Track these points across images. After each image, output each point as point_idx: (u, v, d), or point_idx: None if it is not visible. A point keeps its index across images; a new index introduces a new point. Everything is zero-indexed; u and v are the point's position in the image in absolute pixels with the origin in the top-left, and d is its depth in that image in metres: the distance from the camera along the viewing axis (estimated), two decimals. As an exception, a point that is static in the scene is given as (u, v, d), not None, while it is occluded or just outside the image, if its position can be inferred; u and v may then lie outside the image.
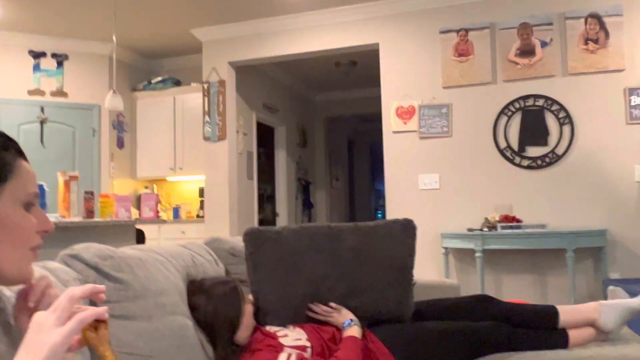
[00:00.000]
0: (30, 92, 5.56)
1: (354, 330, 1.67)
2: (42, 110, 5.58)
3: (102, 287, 0.76)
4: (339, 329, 1.71)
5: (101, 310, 0.73)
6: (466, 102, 4.47)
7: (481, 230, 4.07)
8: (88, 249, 1.38)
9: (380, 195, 11.30)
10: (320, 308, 1.73)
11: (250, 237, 1.80)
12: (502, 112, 4.37)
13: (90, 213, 3.75)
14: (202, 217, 5.75)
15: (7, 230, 0.77)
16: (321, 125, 8.40)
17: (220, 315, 1.53)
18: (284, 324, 1.73)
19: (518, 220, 4.07)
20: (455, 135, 4.49)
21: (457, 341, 1.74)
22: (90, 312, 0.70)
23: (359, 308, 1.75)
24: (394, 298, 1.80)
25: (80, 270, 1.33)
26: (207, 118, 5.42)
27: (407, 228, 1.88)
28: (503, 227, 3.98)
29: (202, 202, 5.93)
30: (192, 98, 5.97)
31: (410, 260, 1.86)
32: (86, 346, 0.73)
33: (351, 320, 1.70)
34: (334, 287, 1.76)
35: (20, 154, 0.83)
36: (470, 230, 4.15)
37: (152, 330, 1.38)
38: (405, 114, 4.62)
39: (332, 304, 1.74)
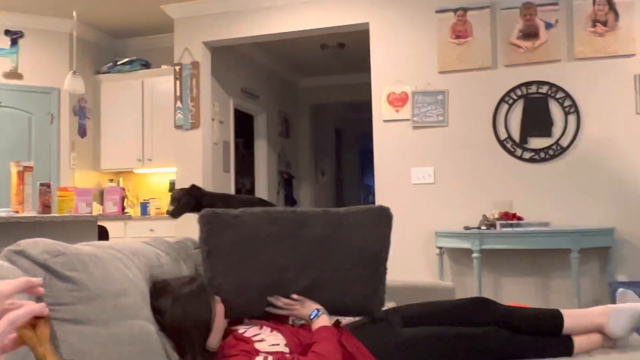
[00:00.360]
0: (-19, 74, 5.44)
1: (323, 320, 1.66)
2: (-6, 93, 5.47)
3: (37, 279, 0.70)
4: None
5: (38, 307, 0.68)
6: (464, 89, 4.47)
7: (479, 228, 4.08)
8: (36, 245, 1.34)
9: (370, 190, 11.32)
10: (280, 301, 1.70)
11: (205, 219, 1.75)
12: (502, 100, 4.37)
13: (46, 208, 3.67)
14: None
15: None
16: (306, 114, 8.38)
17: (189, 319, 1.50)
18: (238, 318, 1.71)
19: (519, 218, 4.09)
20: (451, 125, 4.49)
21: (452, 348, 1.73)
22: (24, 311, 0.66)
23: (323, 302, 1.72)
24: (362, 292, 1.77)
25: (27, 269, 1.29)
26: (178, 104, 5.36)
27: (382, 216, 1.85)
28: (502, 225, 3.99)
29: (173, 197, 5.85)
30: (162, 82, 5.90)
31: (384, 252, 1.83)
32: (23, 346, 0.69)
33: (317, 310, 1.68)
34: (296, 278, 1.72)
35: None
36: (467, 228, 4.15)
37: (110, 335, 1.34)
38: (397, 101, 4.61)
39: (294, 296, 1.70)
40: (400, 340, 1.74)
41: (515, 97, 4.35)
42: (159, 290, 1.54)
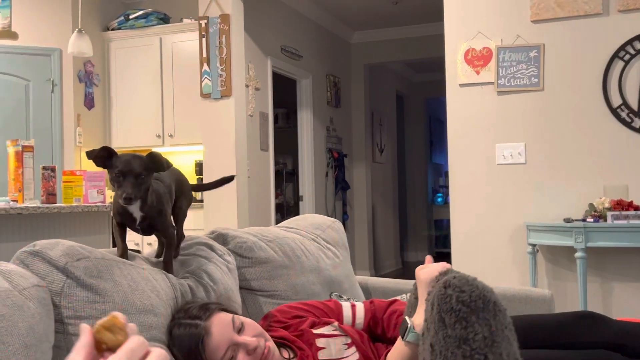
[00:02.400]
0: (-31, 34, 5.63)
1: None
2: (-14, 57, 5.65)
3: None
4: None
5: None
6: (565, 42, 4.37)
7: (584, 220, 4.01)
8: (56, 246, 1.39)
9: (441, 171, 11.24)
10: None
11: None
12: (616, 56, 4.26)
13: (51, 196, 3.80)
14: (201, 201, 5.79)
15: None
16: (360, 77, 8.35)
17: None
18: None
19: (636, 208, 4.00)
20: (548, 89, 4.41)
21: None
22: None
23: None
24: None
25: (44, 274, 1.34)
26: (205, 67, 5.41)
27: None
28: (615, 217, 3.90)
29: (200, 182, 5.96)
30: (184, 39, 5.97)
31: None
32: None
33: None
34: None
35: None
36: (567, 220, 4.09)
37: None
38: (478, 59, 4.56)
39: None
40: None
41: (633, 52, 4.23)
42: (171, 320, 1.59)
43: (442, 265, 1.54)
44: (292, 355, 1.70)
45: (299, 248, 2.24)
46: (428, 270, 1.54)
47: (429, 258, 1.69)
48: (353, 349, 1.72)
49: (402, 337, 1.51)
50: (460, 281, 1.32)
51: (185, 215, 1.89)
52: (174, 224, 1.82)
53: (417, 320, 1.49)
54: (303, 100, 7.12)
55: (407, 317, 1.54)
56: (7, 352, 1.09)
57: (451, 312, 1.28)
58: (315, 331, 1.74)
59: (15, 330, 1.13)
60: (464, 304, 1.28)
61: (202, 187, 2.00)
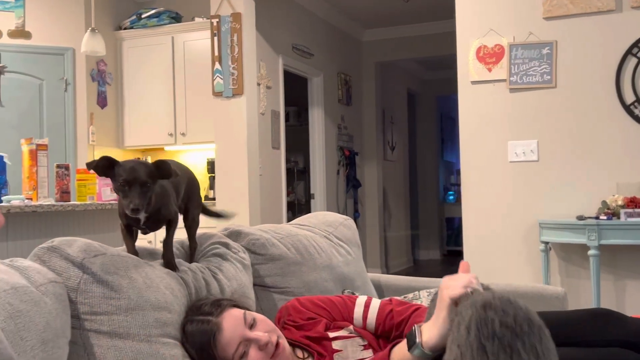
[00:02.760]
0: (-17, 33, 5.67)
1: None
2: (-1, 56, 5.69)
3: None
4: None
5: None
6: (578, 39, 4.35)
7: (597, 218, 3.99)
8: (73, 242, 1.41)
9: (452, 169, 11.22)
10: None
11: None
12: (629, 53, 4.24)
13: (65, 194, 3.83)
14: (213, 199, 5.80)
15: None
16: (371, 75, 8.34)
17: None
18: None
19: (650, 205, 3.98)
20: (561, 86, 4.39)
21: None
22: None
23: None
24: None
25: (61, 270, 1.35)
26: (217, 66, 5.43)
27: None
28: (628, 215, 3.89)
29: (212, 180, 5.98)
30: (196, 38, 5.99)
31: None
32: None
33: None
34: None
35: None
36: (580, 218, 4.07)
37: (152, 355, 1.39)
38: (489, 56, 4.55)
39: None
40: None
41: (645, 49, 4.21)
42: (185, 317, 1.59)
43: (468, 282, 1.36)
44: (306, 355, 1.70)
45: (311, 245, 2.24)
46: (452, 285, 1.37)
47: (464, 265, 1.48)
48: (370, 351, 1.71)
49: (409, 349, 1.41)
50: (502, 302, 1.18)
51: (197, 225, 1.87)
52: (191, 233, 1.83)
53: (426, 335, 1.38)
54: (314, 98, 7.13)
55: (416, 329, 1.41)
56: (25, 347, 1.11)
57: (494, 338, 1.14)
58: (330, 334, 1.74)
59: (33, 326, 1.15)
60: (508, 328, 1.14)
61: (203, 209, 1.95)
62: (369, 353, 1.71)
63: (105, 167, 1.53)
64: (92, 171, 1.55)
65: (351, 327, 1.78)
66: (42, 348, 1.16)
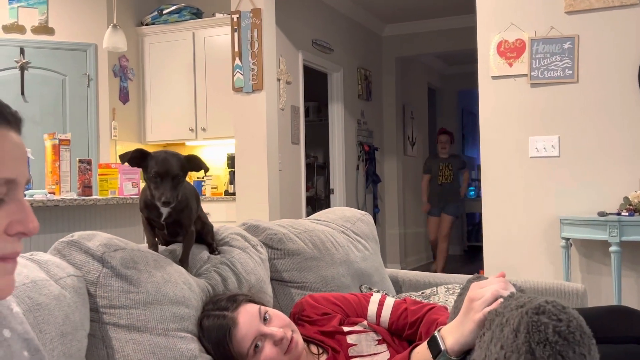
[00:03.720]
0: (6, 29, 5.74)
1: None
2: (22, 52, 5.75)
3: None
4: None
5: None
6: (600, 33, 4.31)
7: (618, 214, 3.96)
8: (93, 236, 1.43)
9: (473, 164, 11.15)
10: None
11: None
12: (652, 47, 4.19)
13: (87, 189, 3.87)
14: (233, 194, 5.83)
15: None
16: (391, 70, 8.32)
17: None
18: None
19: (673, 201, 3.93)
20: (583, 81, 4.35)
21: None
22: None
23: None
24: None
25: (81, 263, 1.37)
26: (237, 61, 5.44)
27: None
28: (651, 211, 3.85)
29: (232, 174, 6.00)
30: (217, 34, 6.01)
31: None
32: None
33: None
34: None
35: None
36: (602, 214, 4.03)
37: (168, 348, 1.41)
38: (510, 51, 4.52)
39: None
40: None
41: (669, 43, 4.15)
42: (202, 312, 1.60)
43: (498, 290, 1.35)
44: (321, 351, 1.70)
45: (328, 240, 2.24)
46: (486, 297, 1.35)
47: (500, 275, 1.47)
48: (384, 346, 1.71)
49: (434, 357, 1.40)
50: (555, 308, 1.16)
51: (212, 227, 1.88)
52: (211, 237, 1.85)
53: (450, 341, 1.38)
54: (334, 93, 7.12)
55: (438, 336, 1.41)
56: (44, 340, 1.12)
57: (545, 343, 1.11)
58: (345, 328, 1.74)
59: (52, 319, 1.16)
60: (561, 335, 1.12)
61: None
62: (383, 347, 1.71)
63: (138, 158, 1.56)
64: (125, 164, 1.57)
65: (365, 322, 1.78)
66: (61, 341, 1.17)
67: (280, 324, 1.59)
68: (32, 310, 1.12)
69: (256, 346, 1.54)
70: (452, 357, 1.36)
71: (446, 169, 7.57)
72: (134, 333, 1.37)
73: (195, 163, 1.60)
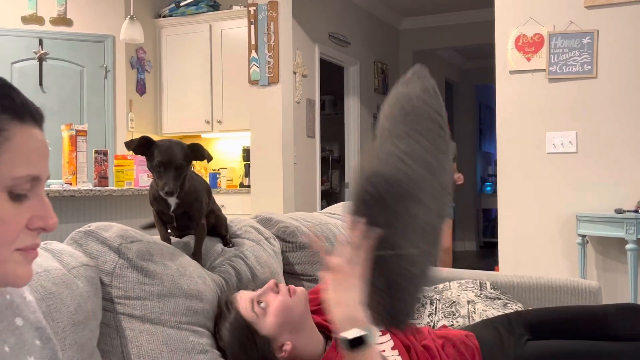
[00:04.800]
0: (25, 20, 5.78)
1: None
2: (41, 43, 5.80)
3: None
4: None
5: None
6: (620, 29, 4.27)
7: (636, 212, 3.92)
8: (110, 227, 1.44)
9: (490, 159, 11.10)
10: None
11: None
12: (673, 43, 4.14)
13: (103, 179, 3.89)
14: (248, 186, 5.84)
15: None
16: (408, 63, 8.28)
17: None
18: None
19: (692, 199, 3.90)
20: (601, 76, 4.32)
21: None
22: None
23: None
24: None
25: (97, 254, 1.38)
26: (254, 54, 5.45)
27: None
28: (669, 209, 3.82)
29: (247, 167, 6.02)
30: (234, 26, 6.02)
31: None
32: None
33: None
34: None
35: (19, 115, 0.81)
36: (619, 211, 4.00)
37: (181, 341, 1.42)
38: (529, 46, 4.49)
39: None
40: (519, 357, 1.72)
41: (690, 39, 4.10)
42: (217, 313, 1.59)
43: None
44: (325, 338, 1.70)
45: (340, 234, 2.25)
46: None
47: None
48: (387, 335, 1.71)
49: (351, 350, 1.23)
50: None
51: (225, 219, 1.89)
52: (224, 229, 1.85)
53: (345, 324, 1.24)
54: (350, 87, 7.11)
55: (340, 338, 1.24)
56: (56, 329, 1.13)
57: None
58: None
59: (64, 308, 1.17)
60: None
61: None
62: (386, 337, 1.71)
63: (143, 145, 1.55)
64: (130, 152, 1.57)
65: None
66: (73, 330, 1.18)
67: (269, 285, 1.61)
68: (45, 299, 1.13)
69: (259, 302, 1.54)
70: (348, 336, 1.21)
71: None
72: (147, 324, 1.38)
73: (199, 152, 1.59)
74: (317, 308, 1.77)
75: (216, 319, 1.57)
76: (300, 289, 1.62)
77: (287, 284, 2.01)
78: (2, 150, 0.78)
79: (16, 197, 0.80)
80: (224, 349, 1.53)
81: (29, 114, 0.83)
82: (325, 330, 1.69)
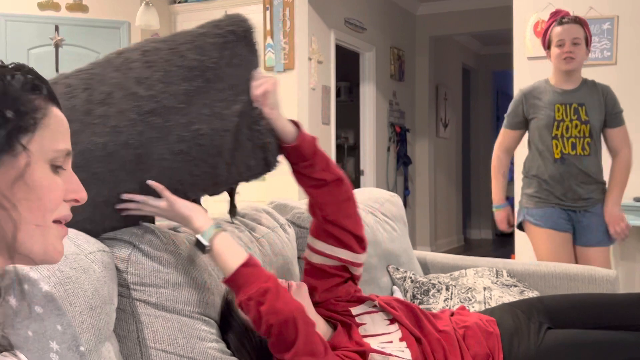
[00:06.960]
0: (41, 6, 5.81)
1: (222, 240, 1.44)
2: (57, 29, 5.83)
3: None
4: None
5: None
6: (640, 14, 4.23)
7: (655, 200, 3.91)
8: None
9: (506, 148, 11.02)
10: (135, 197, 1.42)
11: None
12: (694, 29, 4.10)
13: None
14: (262, 173, 5.86)
15: (30, 194, 0.84)
16: (425, 49, 8.24)
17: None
18: None
19: None
20: (621, 63, 4.29)
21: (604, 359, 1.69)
22: None
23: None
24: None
25: (112, 242, 1.40)
26: (269, 40, 5.45)
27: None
28: (688, 197, 3.80)
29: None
30: (249, 12, 6.00)
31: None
32: None
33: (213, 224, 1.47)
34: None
35: (52, 98, 0.90)
36: (638, 200, 4.00)
37: (193, 329, 1.44)
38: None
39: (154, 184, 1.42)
40: (536, 346, 1.72)
41: None
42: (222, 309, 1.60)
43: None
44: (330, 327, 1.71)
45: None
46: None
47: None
48: (395, 325, 1.71)
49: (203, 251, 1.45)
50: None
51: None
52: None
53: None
54: (366, 73, 7.09)
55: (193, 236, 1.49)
56: (74, 313, 1.15)
57: None
58: (353, 310, 1.74)
59: (82, 292, 1.19)
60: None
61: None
62: (395, 328, 1.70)
63: None
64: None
65: (376, 301, 1.77)
66: (90, 314, 1.20)
67: None
68: (63, 284, 1.15)
69: None
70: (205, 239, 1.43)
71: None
72: (162, 311, 1.41)
73: None
74: (322, 300, 1.77)
75: (221, 314, 1.60)
76: (300, 283, 1.66)
77: (301, 271, 2.03)
78: (43, 126, 0.86)
79: (55, 169, 0.87)
80: (228, 341, 1.56)
81: (51, 95, 0.90)
82: (331, 320, 1.70)
